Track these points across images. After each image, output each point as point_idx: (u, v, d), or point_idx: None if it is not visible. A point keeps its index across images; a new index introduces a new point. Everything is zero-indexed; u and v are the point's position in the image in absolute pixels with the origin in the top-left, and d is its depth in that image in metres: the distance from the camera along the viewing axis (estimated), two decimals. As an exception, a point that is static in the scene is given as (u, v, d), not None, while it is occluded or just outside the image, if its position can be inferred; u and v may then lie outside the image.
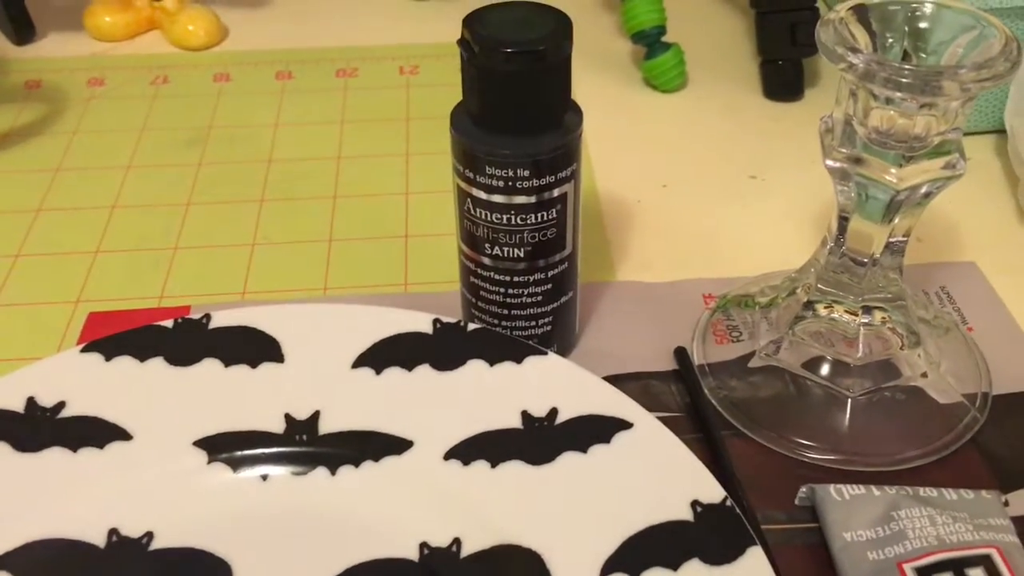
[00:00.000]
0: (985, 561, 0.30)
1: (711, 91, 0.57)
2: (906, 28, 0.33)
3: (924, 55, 0.33)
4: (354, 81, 0.58)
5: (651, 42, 0.55)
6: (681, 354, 0.39)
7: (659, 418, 0.36)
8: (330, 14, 0.65)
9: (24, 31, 0.62)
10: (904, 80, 0.30)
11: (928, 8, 0.32)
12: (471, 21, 0.32)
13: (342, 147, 0.52)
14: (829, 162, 0.33)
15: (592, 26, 0.63)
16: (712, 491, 0.30)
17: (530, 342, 0.37)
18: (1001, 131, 0.51)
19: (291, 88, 0.58)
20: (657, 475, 0.31)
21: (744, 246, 0.45)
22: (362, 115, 0.55)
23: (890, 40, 0.32)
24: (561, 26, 0.32)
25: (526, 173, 0.33)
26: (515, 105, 0.33)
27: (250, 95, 0.57)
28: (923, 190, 0.33)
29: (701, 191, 0.49)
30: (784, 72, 0.55)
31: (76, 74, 0.59)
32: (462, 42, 0.32)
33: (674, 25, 0.57)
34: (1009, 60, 0.30)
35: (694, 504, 0.30)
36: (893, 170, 0.32)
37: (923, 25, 0.32)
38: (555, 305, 0.37)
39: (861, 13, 0.32)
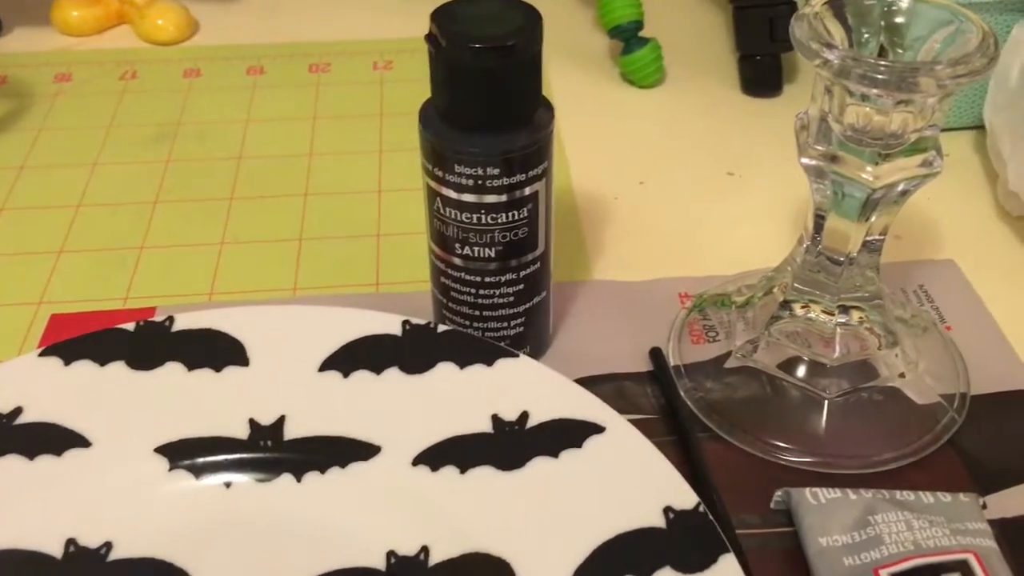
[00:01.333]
0: (962, 567, 0.29)
1: (689, 86, 0.56)
2: (882, 23, 0.32)
3: (901, 50, 0.32)
4: (327, 76, 0.57)
5: (628, 37, 0.55)
6: (656, 355, 0.38)
7: (634, 420, 0.36)
8: (303, 8, 0.64)
9: (-10, 25, 0.61)
10: (880, 76, 0.29)
11: (905, 3, 0.32)
12: (439, 15, 0.32)
13: (314, 143, 0.51)
14: (804, 160, 0.33)
15: (569, 21, 0.62)
16: (685, 497, 0.29)
17: (502, 343, 0.36)
18: (980, 127, 0.50)
19: (262, 83, 0.57)
20: (629, 481, 0.30)
21: (722, 244, 0.45)
22: (335, 111, 0.54)
23: (866, 35, 0.32)
24: (531, 21, 0.32)
25: (496, 171, 0.32)
26: (484, 102, 0.32)
27: (220, 91, 0.56)
28: (900, 188, 0.32)
29: (679, 188, 0.48)
30: (762, 67, 0.54)
31: (43, 69, 0.58)
32: (430, 37, 0.32)
33: (651, 20, 0.56)
34: (986, 56, 0.29)
35: (666, 511, 0.29)
36: (869, 168, 0.31)
37: (899, 20, 0.32)
38: (528, 306, 0.36)
39: (837, 8, 0.32)
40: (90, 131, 0.52)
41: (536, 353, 0.38)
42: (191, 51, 0.60)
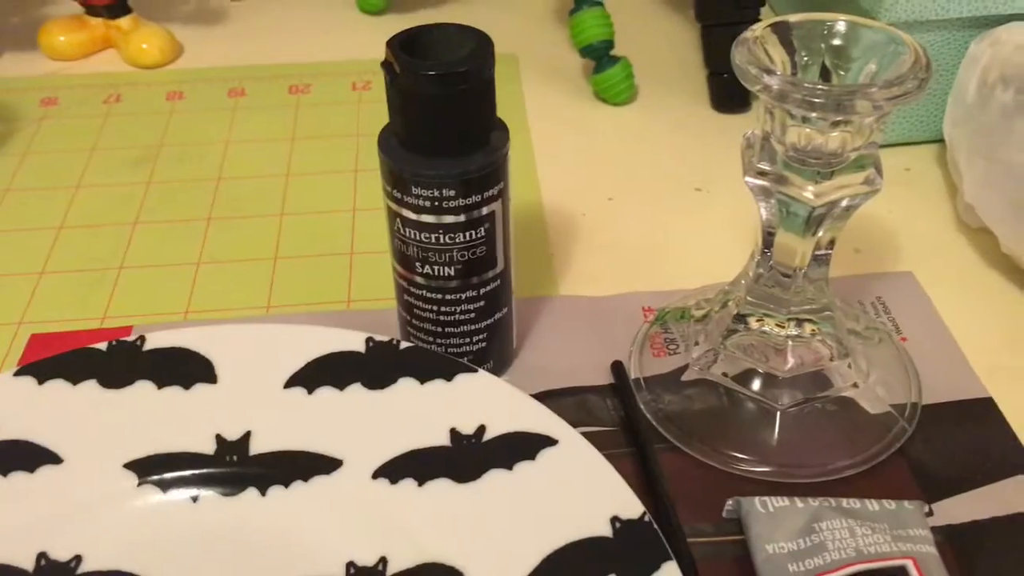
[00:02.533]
0: (900, 572, 0.30)
1: (660, 104, 0.57)
2: (823, 46, 0.33)
3: (843, 72, 0.33)
4: (306, 97, 0.59)
5: (599, 56, 0.56)
6: (618, 368, 0.39)
7: (595, 432, 0.37)
8: (284, 31, 0.66)
9: (-22, 51, 0.62)
10: (817, 100, 0.30)
11: (843, 26, 0.33)
12: (394, 43, 0.33)
13: (291, 164, 0.53)
14: (749, 179, 0.34)
15: (541, 40, 0.63)
16: (631, 507, 0.30)
17: (465, 359, 0.37)
18: (940, 141, 0.51)
19: (244, 105, 0.58)
20: (579, 491, 0.31)
21: (688, 258, 0.46)
22: (313, 131, 0.55)
23: (806, 59, 0.33)
24: (482, 47, 0.33)
25: (453, 193, 0.34)
26: (439, 126, 0.33)
27: (202, 112, 0.57)
28: (843, 204, 0.33)
29: (647, 204, 0.49)
30: (730, 84, 0.56)
31: (29, 93, 0.59)
32: (385, 64, 0.33)
33: (622, 39, 0.57)
34: (918, 77, 0.30)
35: (613, 520, 0.30)
36: (810, 187, 0.32)
37: (838, 43, 0.33)
38: (489, 322, 0.38)
39: (781, 31, 0.33)
40: (74, 154, 0.54)
41: (500, 368, 0.39)
42: (175, 74, 0.61)
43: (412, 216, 0.34)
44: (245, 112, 0.57)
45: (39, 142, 0.55)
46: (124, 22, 0.62)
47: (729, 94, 0.56)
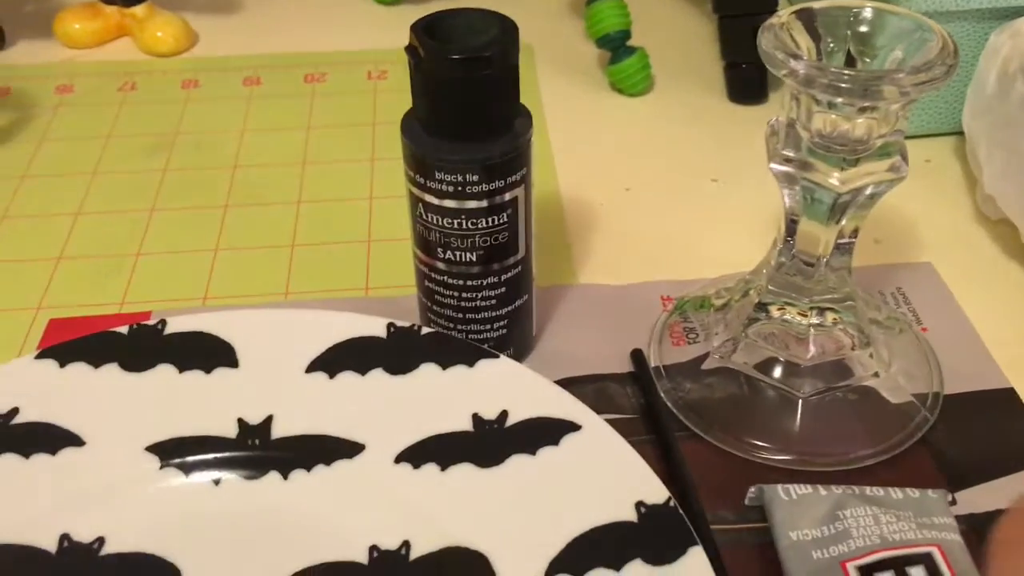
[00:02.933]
0: (926, 559, 0.30)
1: (676, 95, 0.57)
2: (849, 33, 0.33)
3: (868, 59, 0.33)
4: (322, 86, 0.58)
5: (616, 46, 0.56)
6: (637, 356, 0.39)
7: (614, 420, 0.37)
8: (299, 20, 0.66)
9: (-6, 38, 0.62)
10: (844, 85, 0.30)
11: (869, 13, 0.33)
12: (418, 28, 0.33)
13: (308, 152, 0.53)
14: (774, 165, 0.34)
15: (558, 30, 0.63)
16: (656, 492, 0.30)
17: (486, 346, 0.37)
18: (960, 133, 0.51)
19: (259, 94, 0.58)
20: (603, 477, 0.31)
21: (705, 249, 0.46)
22: (329, 120, 0.55)
23: (832, 45, 0.33)
24: (507, 32, 0.33)
25: (476, 178, 0.34)
26: (463, 111, 0.33)
27: (218, 101, 0.57)
28: (868, 192, 0.33)
29: (664, 194, 0.49)
30: (748, 75, 0.55)
31: (45, 81, 0.59)
32: (410, 49, 0.33)
33: (639, 29, 0.57)
34: (945, 63, 0.30)
35: (638, 505, 0.30)
36: (836, 173, 0.32)
37: (864, 29, 0.33)
38: (510, 309, 0.37)
39: (806, 18, 0.33)
40: (90, 141, 0.54)
41: (520, 355, 0.39)
42: (190, 62, 0.61)
43: (434, 201, 0.34)
44: (261, 101, 0.57)
45: (55, 129, 0.55)
46: (139, 10, 0.62)
47: (746, 85, 0.56)
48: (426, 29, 0.33)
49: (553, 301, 0.42)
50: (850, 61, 0.33)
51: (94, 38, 0.63)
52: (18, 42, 0.63)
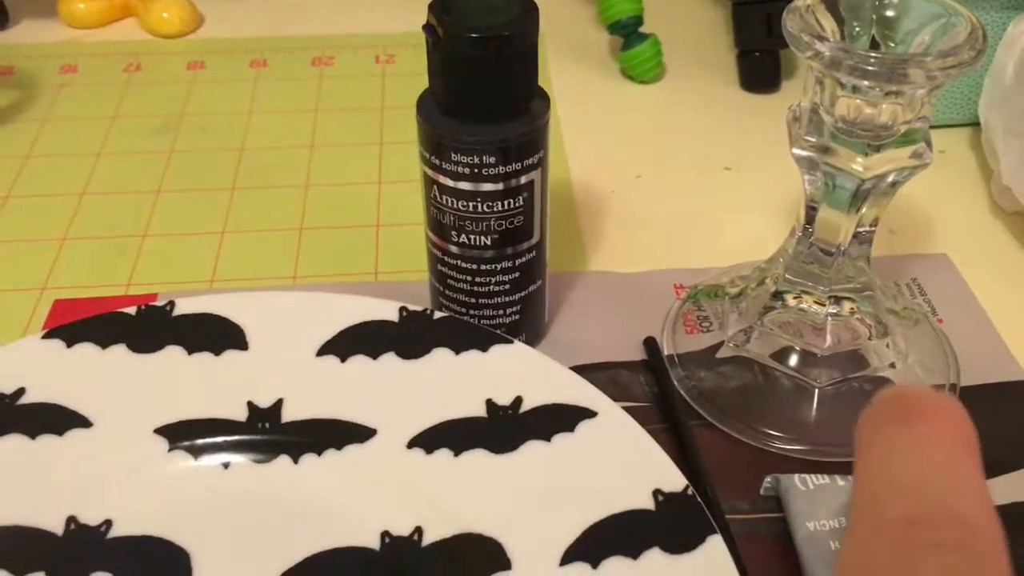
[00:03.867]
0: (946, 551, 0.29)
1: (688, 82, 0.56)
2: (874, 16, 0.32)
3: (892, 44, 0.32)
4: (330, 70, 0.58)
5: (628, 32, 0.55)
6: (651, 344, 0.39)
7: (627, 408, 0.36)
8: (306, 2, 0.65)
9: (-3, 17, 0.61)
10: (870, 68, 0.29)
11: (895, -4, 0.32)
12: (437, 6, 0.32)
13: (315, 135, 0.52)
14: (796, 150, 0.33)
15: (569, 16, 0.63)
16: (674, 480, 0.30)
17: (498, 331, 0.36)
18: (976, 124, 0.50)
19: (265, 76, 0.57)
20: (620, 464, 0.31)
21: (717, 237, 0.45)
22: (337, 104, 0.55)
23: (857, 28, 0.32)
24: (527, 12, 0.32)
25: (492, 160, 0.33)
26: (481, 91, 0.32)
27: (224, 83, 0.57)
28: (890, 179, 0.33)
29: (675, 182, 0.49)
30: (761, 63, 0.55)
31: (49, 61, 0.58)
32: (427, 27, 0.32)
33: (651, 16, 0.56)
34: (974, 48, 0.29)
35: (655, 493, 0.30)
36: (859, 159, 0.32)
37: (890, 13, 0.32)
38: (523, 294, 0.37)
39: (830, 1, 0.32)
40: (95, 121, 0.53)
41: (532, 341, 0.39)
42: (195, 44, 0.60)
43: (450, 183, 0.34)
44: (267, 83, 0.57)
45: (59, 109, 0.54)
46: (145, -10, 0.61)
47: (759, 73, 0.55)
48: (444, 7, 0.32)
49: (565, 288, 0.42)
50: (874, 46, 0.33)
51: (99, 18, 0.62)
52: (22, 21, 0.62)
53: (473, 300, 0.37)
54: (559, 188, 0.48)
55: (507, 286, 0.36)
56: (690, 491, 0.30)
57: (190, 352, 0.35)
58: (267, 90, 0.56)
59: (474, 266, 0.36)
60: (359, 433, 0.33)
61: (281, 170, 0.49)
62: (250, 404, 0.34)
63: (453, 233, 0.35)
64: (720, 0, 0.64)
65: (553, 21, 0.61)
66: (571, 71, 0.57)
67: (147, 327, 0.35)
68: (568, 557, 0.29)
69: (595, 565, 0.28)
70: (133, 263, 0.43)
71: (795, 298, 0.37)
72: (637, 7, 0.55)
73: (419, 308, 0.36)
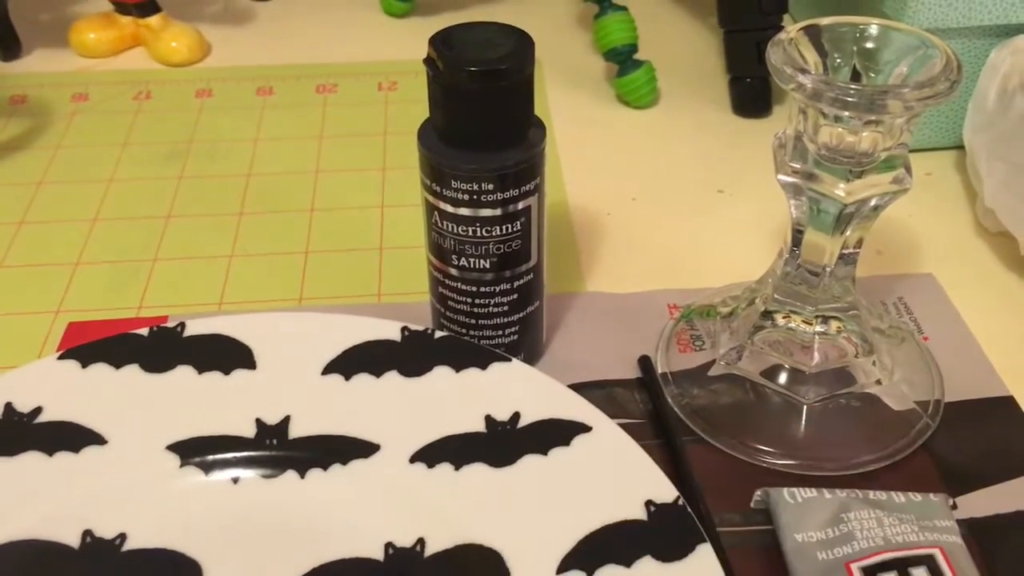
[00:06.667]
0: (928, 560, 0.31)
1: (681, 107, 0.58)
2: (855, 48, 0.34)
3: (873, 74, 0.34)
4: (333, 97, 0.59)
5: (623, 59, 0.57)
6: (645, 362, 0.40)
7: (622, 424, 0.37)
8: (311, 32, 0.67)
9: (11, 47, 0.63)
10: (850, 99, 0.31)
11: (875, 29, 0.34)
12: (437, 41, 0.34)
13: (320, 161, 0.54)
14: (781, 177, 0.35)
15: (566, 43, 0.64)
16: (665, 492, 0.31)
17: (497, 350, 0.38)
18: (960, 148, 0.52)
19: (271, 104, 0.59)
20: (613, 476, 0.32)
21: (710, 258, 0.47)
22: (341, 130, 0.56)
23: (839, 60, 0.34)
24: (523, 45, 0.34)
25: (491, 187, 0.34)
26: (479, 121, 0.34)
27: (231, 110, 0.58)
28: (872, 203, 0.34)
29: (670, 204, 0.50)
30: (752, 89, 0.56)
31: (61, 89, 0.60)
32: (428, 61, 0.34)
33: (645, 43, 0.58)
34: (949, 79, 0.31)
35: (648, 504, 0.31)
36: (842, 184, 0.33)
37: (870, 45, 0.34)
38: (521, 315, 0.38)
39: (812, 34, 0.34)
40: (106, 148, 0.55)
41: (530, 360, 0.40)
42: (203, 72, 0.62)
43: (450, 209, 0.35)
44: (273, 110, 0.58)
45: (71, 136, 0.56)
46: (154, 20, 0.63)
47: (750, 99, 0.57)
48: (444, 41, 0.34)
49: (562, 308, 0.43)
50: (856, 76, 0.34)
51: (109, 48, 0.64)
52: (34, 51, 0.64)
53: (473, 321, 0.38)
54: (556, 211, 0.49)
55: (506, 307, 0.38)
56: (681, 502, 0.31)
57: (200, 371, 0.36)
58: (273, 117, 0.57)
59: (474, 288, 0.37)
60: (363, 448, 0.34)
61: (287, 195, 0.51)
62: (258, 421, 0.35)
63: (453, 257, 0.36)
64: (712, 28, 0.66)
65: (550, 48, 0.63)
66: (568, 97, 0.59)
67: (159, 348, 0.37)
68: (565, 566, 0.30)
69: (590, 573, 0.30)
70: (144, 286, 0.45)
71: (784, 317, 0.38)
72: (632, 35, 0.56)
73: (420, 328, 0.37)
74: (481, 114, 0.34)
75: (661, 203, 0.50)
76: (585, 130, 0.56)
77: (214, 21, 0.67)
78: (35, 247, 0.47)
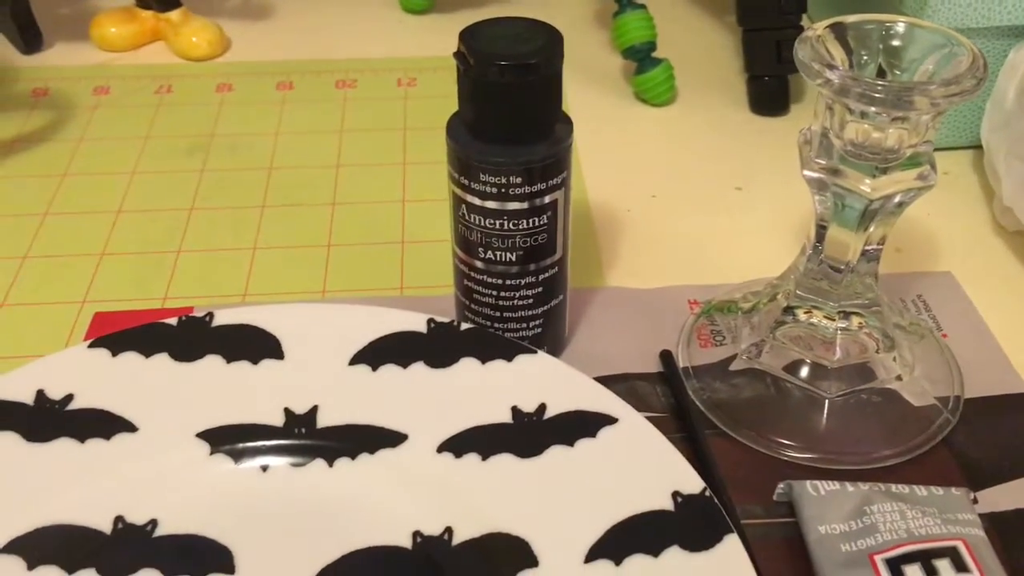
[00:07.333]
0: (951, 552, 0.31)
1: (699, 105, 0.58)
2: (880, 46, 0.34)
3: (898, 72, 0.34)
4: (353, 92, 0.60)
5: (641, 57, 0.57)
6: (666, 357, 0.41)
7: (645, 418, 0.38)
8: (331, 27, 0.67)
9: (32, 40, 0.63)
10: (877, 95, 0.31)
11: (901, 27, 0.34)
12: (467, 35, 0.34)
13: (341, 156, 0.54)
14: (807, 172, 0.35)
15: (585, 42, 0.65)
16: (692, 483, 0.31)
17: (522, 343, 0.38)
18: (978, 147, 0.52)
19: (292, 98, 0.59)
20: (640, 468, 0.32)
21: (729, 254, 0.47)
22: (361, 125, 0.57)
23: (865, 57, 0.34)
24: (553, 41, 0.34)
25: (518, 180, 0.35)
26: (508, 115, 0.34)
27: (251, 105, 0.59)
28: (896, 200, 0.34)
29: (689, 201, 0.51)
30: (770, 88, 0.57)
31: (82, 83, 0.61)
32: (458, 55, 0.34)
33: (664, 41, 0.58)
34: (975, 76, 0.31)
35: (675, 495, 0.31)
36: (867, 180, 0.34)
37: (896, 43, 0.34)
38: (545, 308, 0.39)
39: (838, 31, 0.34)
40: (128, 141, 0.55)
41: (553, 353, 0.40)
42: (224, 67, 0.63)
43: (477, 202, 0.36)
44: (293, 105, 0.59)
45: (93, 129, 0.56)
46: (174, 15, 0.63)
47: (768, 97, 0.57)
48: (474, 35, 0.34)
49: (584, 303, 0.44)
50: (881, 74, 0.34)
51: (129, 42, 0.64)
52: (56, 45, 0.65)
53: (498, 314, 0.38)
54: (577, 207, 0.50)
55: (530, 300, 0.38)
56: (707, 493, 0.31)
57: (229, 361, 0.36)
58: (294, 111, 0.58)
59: (499, 281, 0.37)
60: (391, 438, 0.35)
61: (309, 189, 0.51)
62: (287, 410, 0.35)
63: (480, 250, 0.37)
64: (731, 26, 0.66)
65: (569, 46, 0.63)
66: (586, 94, 0.59)
67: (188, 337, 0.37)
68: (592, 555, 0.30)
69: (618, 563, 0.30)
70: (169, 277, 0.45)
71: (806, 313, 0.39)
72: (650, 33, 0.57)
73: (446, 320, 0.38)
74: (510, 108, 0.34)
75: (680, 200, 0.51)
76: (604, 127, 0.56)
77: (234, 16, 0.68)
78: (60, 238, 0.48)
